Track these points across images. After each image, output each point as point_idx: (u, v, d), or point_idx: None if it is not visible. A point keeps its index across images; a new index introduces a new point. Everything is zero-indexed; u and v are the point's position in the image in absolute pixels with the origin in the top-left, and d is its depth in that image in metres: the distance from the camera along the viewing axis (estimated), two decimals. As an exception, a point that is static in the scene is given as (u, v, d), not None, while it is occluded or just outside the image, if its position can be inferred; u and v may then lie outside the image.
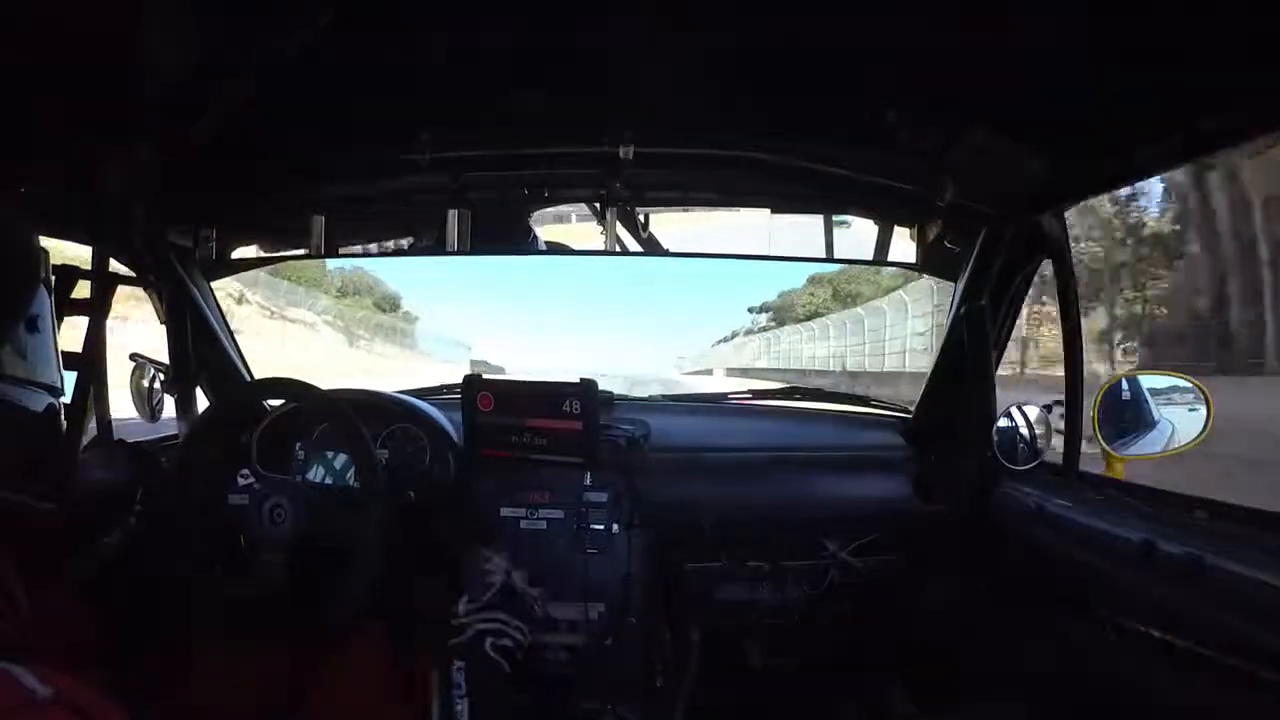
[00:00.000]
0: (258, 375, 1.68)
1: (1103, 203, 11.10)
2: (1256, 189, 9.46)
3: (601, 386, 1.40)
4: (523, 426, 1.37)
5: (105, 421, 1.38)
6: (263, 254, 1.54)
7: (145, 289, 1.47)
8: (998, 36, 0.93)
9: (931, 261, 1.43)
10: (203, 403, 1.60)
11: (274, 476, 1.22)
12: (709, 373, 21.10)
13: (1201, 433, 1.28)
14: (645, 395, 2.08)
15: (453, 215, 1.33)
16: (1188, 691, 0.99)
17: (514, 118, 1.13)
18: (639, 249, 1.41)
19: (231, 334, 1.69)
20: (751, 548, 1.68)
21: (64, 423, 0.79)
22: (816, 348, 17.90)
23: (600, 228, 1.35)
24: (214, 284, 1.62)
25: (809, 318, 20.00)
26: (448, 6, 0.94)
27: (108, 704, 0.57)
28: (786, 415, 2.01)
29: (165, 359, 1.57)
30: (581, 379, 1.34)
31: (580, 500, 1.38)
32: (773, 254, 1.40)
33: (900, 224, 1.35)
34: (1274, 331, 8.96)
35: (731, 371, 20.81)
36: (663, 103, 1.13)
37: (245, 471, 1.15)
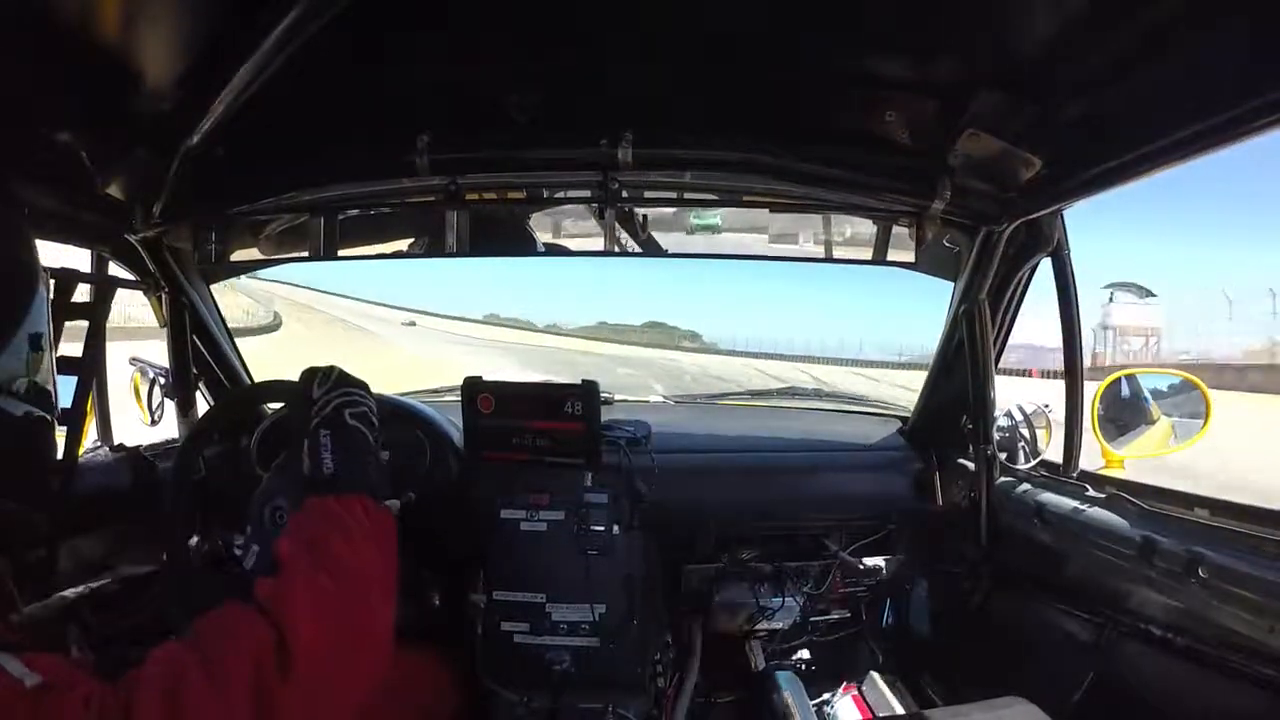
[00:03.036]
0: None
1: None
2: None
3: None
4: (523, 428, 1.37)
5: (105, 425, 1.38)
6: (262, 256, 1.54)
7: (144, 292, 1.46)
8: (997, 35, 0.93)
9: (930, 261, 1.43)
10: (203, 406, 1.59)
11: (275, 478, 1.22)
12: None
13: (1202, 430, 1.28)
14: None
15: (451, 216, 1.33)
16: (1187, 689, 0.99)
17: (512, 119, 1.13)
18: (638, 250, 1.41)
19: (231, 337, 1.69)
20: (752, 548, 1.68)
21: (53, 431, 0.78)
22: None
23: (599, 229, 1.35)
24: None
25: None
26: (446, 7, 0.94)
27: (94, 681, 0.57)
28: (786, 415, 2.01)
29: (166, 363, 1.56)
30: (583, 380, 1.34)
31: (581, 502, 1.38)
32: (771, 254, 1.40)
33: (899, 224, 1.34)
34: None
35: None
36: (661, 104, 1.13)
37: (240, 541, 1.12)
